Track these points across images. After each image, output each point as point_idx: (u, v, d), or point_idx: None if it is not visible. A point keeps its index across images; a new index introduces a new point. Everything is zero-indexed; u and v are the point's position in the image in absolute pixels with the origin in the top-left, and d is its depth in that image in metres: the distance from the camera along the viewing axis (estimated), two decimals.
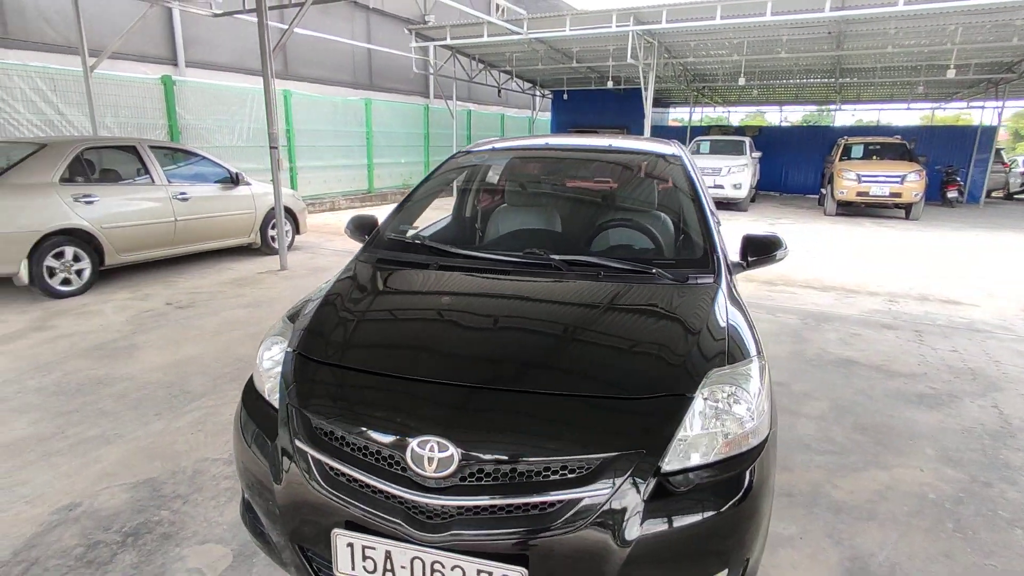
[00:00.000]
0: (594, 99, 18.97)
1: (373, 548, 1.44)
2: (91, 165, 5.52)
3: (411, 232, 2.63)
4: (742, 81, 13.20)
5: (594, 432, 1.45)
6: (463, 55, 14.89)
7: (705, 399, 1.54)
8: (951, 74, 11.99)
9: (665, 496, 1.42)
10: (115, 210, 5.49)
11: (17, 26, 8.22)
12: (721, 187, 12.49)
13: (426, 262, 2.22)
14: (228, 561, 2.06)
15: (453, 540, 1.37)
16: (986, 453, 2.87)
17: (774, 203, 15.30)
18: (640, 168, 2.85)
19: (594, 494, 1.37)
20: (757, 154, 13.99)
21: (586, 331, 1.78)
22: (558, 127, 20.67)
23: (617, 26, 10.91)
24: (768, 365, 1.85)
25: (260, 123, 10.31)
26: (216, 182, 6.55)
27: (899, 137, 13.58)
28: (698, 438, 1.49)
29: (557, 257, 2.12)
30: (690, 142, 14.83)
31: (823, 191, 13.69)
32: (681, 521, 1.41)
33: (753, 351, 1.75)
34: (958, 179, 14.82)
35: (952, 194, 14.61)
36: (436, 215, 3.43)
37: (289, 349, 1.81)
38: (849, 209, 12.94)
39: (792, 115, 30.12)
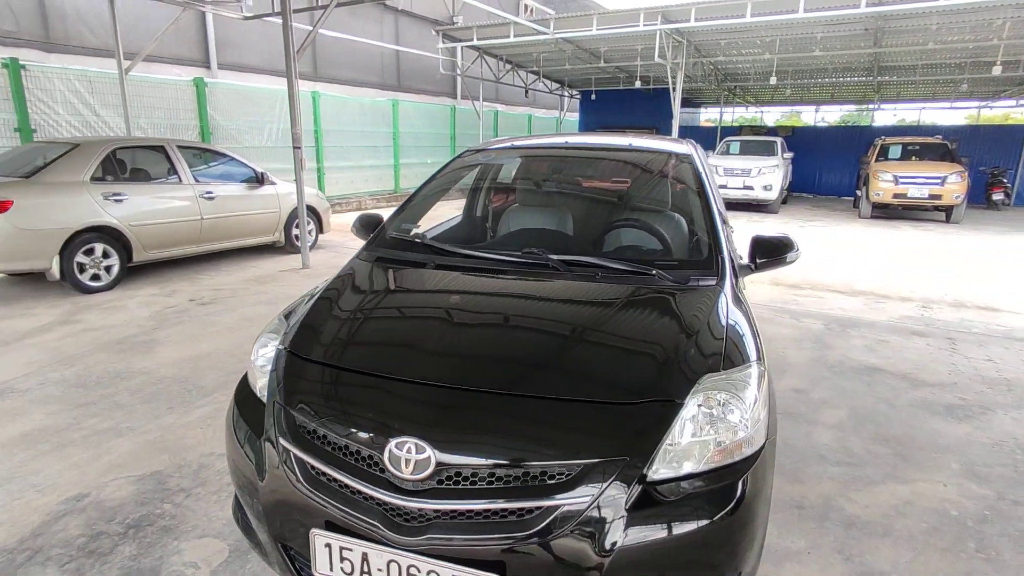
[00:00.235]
0: (622, 99, 18.81)
1: (350, 550, 1.42)
2: (121, 164, 5.68)
3: (416, 231, 2.62)
4: (773, 80, 12.89)
5: (576, 437, 1.40)
6: (490, 56, 14.91)
7: (699, 405, 1.48)
8: (997, 71, 11.48)
9: (651, 505, 1.37)
10: (143, 208, 5.64)
11: (59, 31, 8.54)
12: (751, 188, 12.23)
13: (424, 261, 2.20)
14: (224, 556, 2.08)
15: (429, 544, 1.34)
16: (1017, 469, 2.72)
17: (806, 205, 14.90)
18: (647, 167, 2.78)
19: (574, 501, 1.33)
20: (789, 155, 13.65)
21: (575, 333, 1.73)
22: (586, 127, 20.55)
23: (645, 25, 10.78)
24: (768, 371, 1.78)
25: (289, 124, 10.48)
26: (242, 181, 6.68)
27: (940, 137, 13.07)
28: (688, 446, 1.43)
29: (555, 257, 2.07)
30: (720, 142, 14.54)
31: (858, 193, 13.28)
32: (667, 531, 1.35)
33: (753, 356, 1.68)
34: (1004, 181, 14.19)
35: (998, 196, 14.00)
36: (451, 212, 3.42)
37: (280, 347, 1.81)
38: (885, 212, 12.52)
39: (829, 115, 29.27)
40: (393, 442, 1.39)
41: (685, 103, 19.79)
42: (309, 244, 7.02)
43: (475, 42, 12.95)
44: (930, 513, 2.38)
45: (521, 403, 1.46)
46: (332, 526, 1.45)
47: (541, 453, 1.37)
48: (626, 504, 1.34)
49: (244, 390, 1.84)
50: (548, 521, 1.32)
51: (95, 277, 5.37)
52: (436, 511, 1.36)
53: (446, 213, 3.43)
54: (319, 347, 1.75)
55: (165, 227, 5.85)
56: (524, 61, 15.72)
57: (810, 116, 26.08)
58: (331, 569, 1.45)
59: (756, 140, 13.75)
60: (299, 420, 1.55)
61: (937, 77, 15.12)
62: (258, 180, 6.80)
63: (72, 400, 3.24)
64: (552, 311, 1.88)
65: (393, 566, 1.39)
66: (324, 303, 1.99)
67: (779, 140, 13.48)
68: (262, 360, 1.83)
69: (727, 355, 1.62)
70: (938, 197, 11.28)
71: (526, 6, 19.74)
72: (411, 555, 1.36)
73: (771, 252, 2.27)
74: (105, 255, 5.42)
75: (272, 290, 5.64)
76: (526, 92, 17.74)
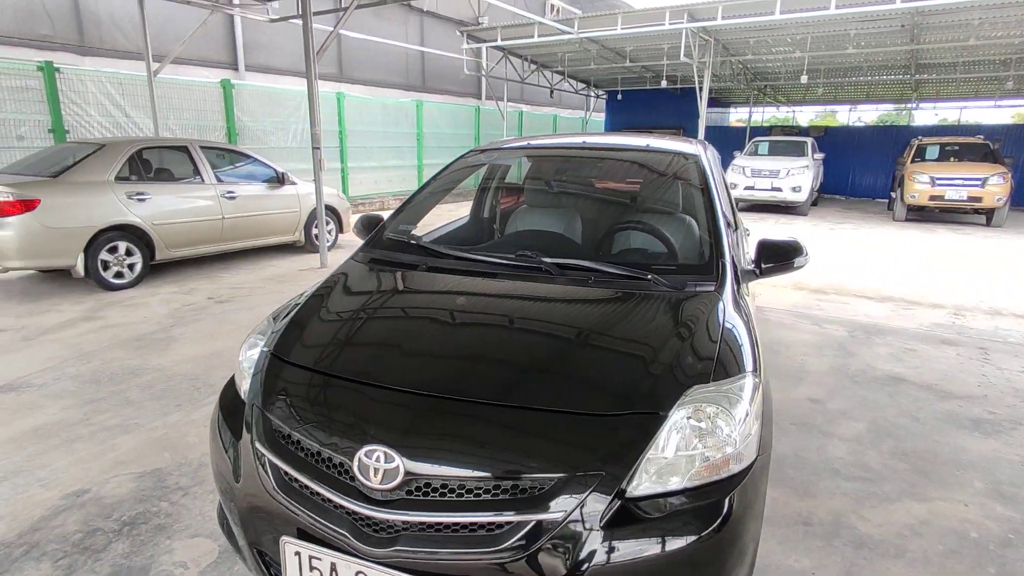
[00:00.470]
0: (649, 99, 18.58)
1: (319, 559, 1.39)
2: (145, 164, 5.81)
3: (415, 232, 2.58)
4: (804, 79, 12.55)
5: (550, 450, 1.35)
6: (515, 56, 14.87)
7: (686, 418, 1.41)
8: None
9: (631, 522, 1.30)
10: (166, 207, 5.75)
11: (93, 35, 8.81)
12: (779, 190, 11.93)
13: (416, 263, 2.17)
14: (213, 557, 2.07)
15: (397, 557, 1.30)
16: None
17: (838, 207, 14.47)
18: (652, 168, 2.70)
19: (545, 516, 1.27)
20: (820, 156, 13.28)
21: (558, 341, 1.67)
22: (612, 128, 20.37)
23: (671, 24, 10.60)
24: (766, 383, 1.69)
25: None
26: (263, 181, 6.77)
27: (981, 137, 12.55)
28: (672, 461, 1.36)
29: (548, 260, 2.02)
30: (748, 143, 14.23)
31: (892, 195, 12.84)
32: (646, 549, 1.29)
33: (748, 367, 1.59)
34: None
35: None
36: (460, 212, 3.39)
37: (264, 348, 1.80)
38: (921, 214, 12.09)
39: (866, 114, 28.38)
40: (363, 450, 1.35)
41: (714, 103, 19.47)
42: (328, 244, 7.08)
43: (499, 42, 12.93)
44: (948, 534, 2.25)
45: (495, 413, 1.41)
46: (304, 534, 1.42)
47: (513, 466, 1.32)
48: (602, 521, 1.28)
49: (230, 392, 1.83)
50: (519, 537, 1.27)
51: (118, 275, 5.49)
52: (404, 523, 1.31)
53: (457, 213, 3.41)
54: (299, 350, 1.73)
55: (187, 226, 5.96)
56: (549, 61, 15.63)
57: (846, 116, 25.34)
58: None
59: (786, 140, 13.42)
60: (275, 424, 1.53)
61: (980, 74, 14.53)
62: (279, 180, 6.89)
63: (85, 396, 3.30)
64: (537, 317, 1.82)
65: None
66: (310, 305, 1.97)
67: (809, 140, 13.12)
68: (247, 362, 1.82)
69: (718, 365, 1.55)
70: (978, 200, 10.83)
71: (552, 6, 19.65)
72: (379, 567, 1.32)
73: (778, 257, 2.17)
74: (128, 253, 5.54)
75: (290, 289, 5.69)
76: (551, 92, 17.65)
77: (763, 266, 2.16)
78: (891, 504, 2.42)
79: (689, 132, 16.94)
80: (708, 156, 2.63)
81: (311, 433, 1.46)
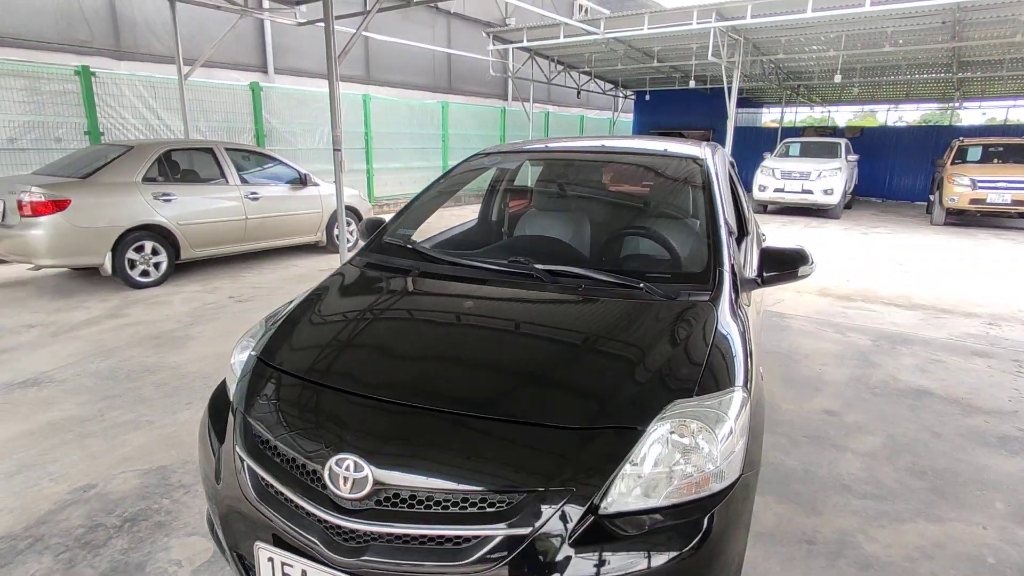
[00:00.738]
0: (678, 99, 18.31)
1: (291, 566, 1.39)
2: (172, 166, 5.96)
3: (413, 236, 2.58)
4: (838, 78, 12.19)
5: (520, 464, 1.32)
6: (542, 57, 14.82)
7: (669, 433, 1.37)
8: None
9: (602, 539, 1.27)
10: (191, 208, 5.89)
11: (128, 40, 9.09)
12: (810, 192, 11.62)
13: (409, 268, 2.16)
14: (207, 556, 2.10)
15: (365, 567, 1.29)
16: None
17: (874, 210, 14.02)
18: (656, 173, 2.63)
19: (512, 532, 1.24)
20: (854, 157, 12.90)
21: (540, 352, 1.64)
22: (640, 128, 20.15)
23: (698, 23, 10.40)
24: (760, 398, 1.63)
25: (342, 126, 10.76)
26: (286, 183, 6.89)
27: None
28: (649, 478, 1.32)
29: (540, 267, 1.98)
30: (779, 144, 13.90)
31: (931, 198, 12.38)
32: (618, 568, 1.25)
33: (738, 381, 1.53)
34: None
35: None
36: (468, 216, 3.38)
37: (253, 352, 1.81)
38: (961, 219, 11.61)
39: (908, 114, 27.39)
40: (334, 458, 1.35)
41: (746, 103, 19.08)
42: (349, 244, 7.15)
43: (525, 43, 12.89)
44: (962, 559, 2.13)
45: (467, 424, 1.39)
46: (280, 541, 1.42)
47: (481, 479, 1.30)
48: (571, 537, 1.25)
49: (219, 395, 1.85)
50: (485, 551, 1.24)
51: (144, 273, 5.65)
52: (371, 533, 1.30)
53: (463, 217, 3.40)
54: (282, 354, 1.74)
55: (211, 226, 6.09)
56: (576, 62, 15.53)
57: (888, 116, 24.52)
58: None
59: (818, 141, 13.06)
60: (255, 429, 1.54)
61: None
62: (301, 181, 7.00)
63: (102, 392, 3.40)
64: (521, 327, 1.79)
65: None
66: (300, 309, 1.98)
67: (843, 142, 12.75)
68: (238, 365, 1.83)
69: (704, 379, 1.49)
70: (1023, 203, 10.36)
71: (581, 6, 19.53)
72: None
73: (781, 265, 2.09)
74: (154, 252, 5.69)
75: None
76: (578, 93, 17.54)
77: (765, 275, 2.09)
78: (903, 524, 2.32)
79: (719, 133, 16.64)
80: (715, 160, 2.56)
81: (287, 439, 1.46)
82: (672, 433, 1.37)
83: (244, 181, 6.43)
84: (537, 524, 1.24)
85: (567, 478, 1.28)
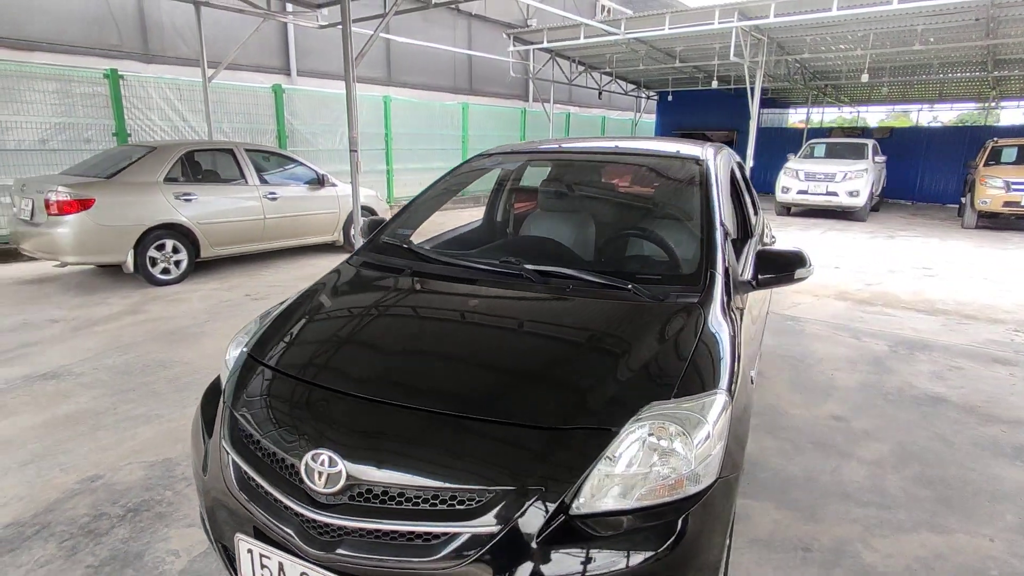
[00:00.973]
0: (701, 100, 18.11)
1: (268, 558, 1.41)
2: (194, 166, 6.11)
3: (423, 235, 2.61)
4: (865, 78, 11.92)
5: (491, 462, 1.33)
6: (563, 58, 14.80)
7: (646, 435, 1.36)
8: None
9: (573, 539, 1.27)
10: (211, 207, 6.03)
11: (156, 43, 9.34)
12: (835, 194, 11.38)
13: (402, 267, 2.18)
14: (204, 547, 2.15)
15: (339, 560, 1.31)
16: None
17: (903, 212, 13.67)
18: (655, 174, 2.61)
19: (480, 529, 1.25)
20: (881, 158, 12.59)
21: (520, 352, 1.65)
22: (662, 129, 19.98)
23: (720, 22, 10.28)
24: (748, 401, 1.61)
25: (362, 127, 10.89)
26: (304, 183, 7.00)
27: None
28: (623, 479, 1.32)
29: (530, 267, 1.98)
30: (804, 145, 13.64)
31: (962, 200, 12.02)
32: (587, 568, 1.25)
33: (722, 384, 1.52)
34: None
35: None
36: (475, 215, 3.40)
37: (244, 348, 1.85)
38: (994, 222, 11.25)
39: (944, 114, 26.55)
40: (310, 453, 1.37)
41: (771, 103, 18.78)
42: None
43: (545, 44, 12.89)
44: (965, 571, 2.07)
45: (440, 422, 1.40)
46: (260, 533, 1.45)
47: (452, 476, 1.30)
48: (540, 536, 1.25)
49: (213, 390, 1.89)
50: (454, 548, 1.25)
51: (165, 271, 5.79)
52: (345, 527, 1.32)
53: (474, 215, 3.42)
54: (271, 351, 1.77)
55: (230, 225, 6.22)
56: (597, 62, 15.48)
57: (922, 116, 23.84)
58: (253, 574, 1.45)
59: (844, 142, 12.79)
60: (240, 424, 1.57)
61: None
62: (319, 182, 7.10)
63: (116, 386, 3.49)
64: (505, 326, 1.79)
65: None
66: (292, 306, 2.02)
67: (870, 142, 12.45)
68: (231, 360, 1.87)
69: (685, 381, 1.48)
70: None
71: (603, 7, 19.45)
72: (321, 570, 1.33)
73: (777, 268, 2.06)
74: (175, 250, 5.84)
75: None
76: (599, 94, 17.47)
77: (760, 277, 2.05)
78: (904, 534, 2.26)
79: (743, 134, 16.39)
80: (717, 161, 2.53)
81: (268, 434, 1.49)
82: (650, 435, 1.36)
83: (263, 181, 6.55)
84: (506, 522, 1.25)
85: (538, 478, 1.28)
